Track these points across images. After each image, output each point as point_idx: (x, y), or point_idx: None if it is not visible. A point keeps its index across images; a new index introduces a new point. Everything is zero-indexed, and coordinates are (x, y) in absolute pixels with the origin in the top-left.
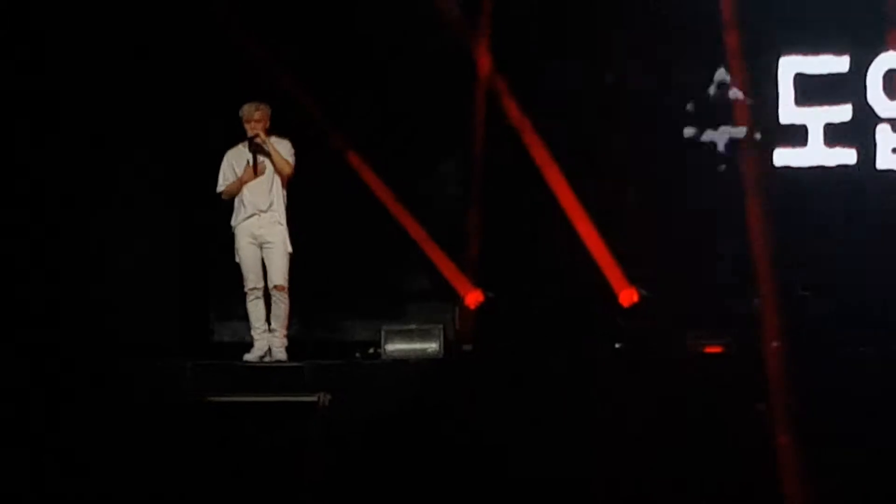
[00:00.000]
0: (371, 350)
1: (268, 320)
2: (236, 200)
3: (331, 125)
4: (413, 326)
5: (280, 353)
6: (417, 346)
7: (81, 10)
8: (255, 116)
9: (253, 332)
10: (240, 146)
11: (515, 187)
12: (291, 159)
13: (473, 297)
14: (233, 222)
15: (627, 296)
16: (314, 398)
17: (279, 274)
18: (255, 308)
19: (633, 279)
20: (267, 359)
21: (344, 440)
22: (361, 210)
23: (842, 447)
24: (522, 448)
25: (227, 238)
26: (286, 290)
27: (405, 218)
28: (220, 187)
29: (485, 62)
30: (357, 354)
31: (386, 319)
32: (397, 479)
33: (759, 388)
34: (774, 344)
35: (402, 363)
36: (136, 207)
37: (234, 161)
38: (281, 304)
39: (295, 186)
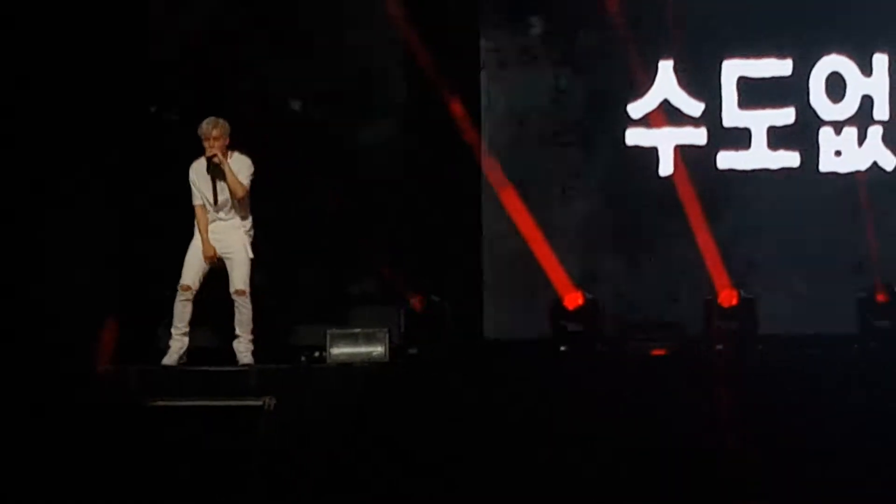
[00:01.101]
0: (316, 354)
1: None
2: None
3: (275, 129)
4: (358, 330)
5: (247, 359)
6: (363, 349)
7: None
8: (213, 134)
9: (173, 331)
10: (202, 159)
11: (460, 189)
12: (247, 180)
13: (419, 301)
14: (195, 228)
15: (573, 299)
16: (260, 402)
17: (240, 279)
18: (182, 309)
19: (578, 282)
20: (184, 360)
21: (289, 444)
22: (306, 212)
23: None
24: (468, 452)
25: (172, 240)
26: (248, 294)
27: (350, 221)
28: (196, 200)
29: (425, 59)
30: (302, 358)
31: (331, 323)
32: (342, 483)
33: (704, 390)
34: (718, 347)
35: (348, 367)
36: (76, 208)
37: (197, 177)
38: (244, 310)
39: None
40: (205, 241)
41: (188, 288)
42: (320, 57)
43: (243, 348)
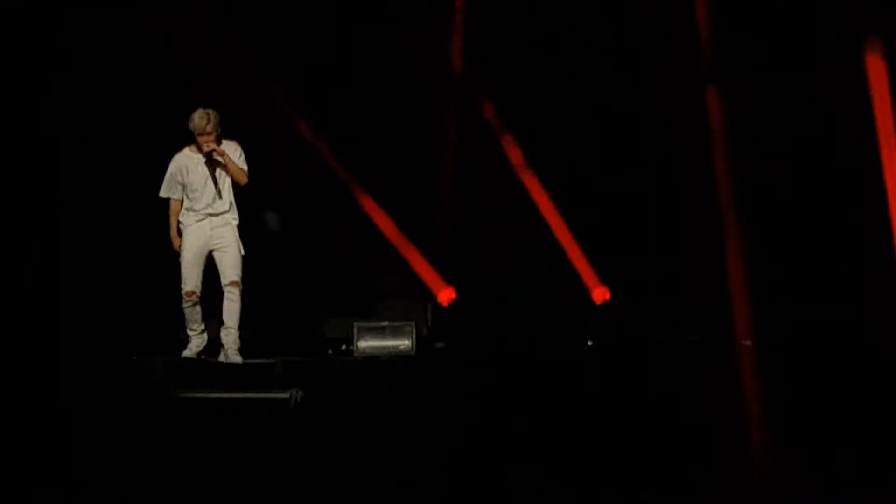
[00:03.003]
0: (343, 347)
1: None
2: (184, 209)
3: (303, 121)
4: (385, 324)
5: (234, 355)
6: (390, 343)
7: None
8: (207, 129)
9: (189, 333)
10: (187, 150)
11: (488, 184)
12: (244, 165)
13: (446, 295)
14: (183, 221)
15: (600, 294)
16: (286, 395)
17: (233, 271)
18: (192, 312)
19: (604, 277)
20: (204, 356)
21: (316, 437)
22: (335, 206)
23: None
24: (495, 445)
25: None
26: (239, 286)
27: (378, 215)
28: (164, 193)
29: (457, 60)
30: (329, 351)
31: (358, 316)
32: (369, 476)
33: (729, 384)
34: (747, 342)
35: (375, 360)
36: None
37: (185, 169)
38: (233, 303)
39: (267, 181)
40: (173, 236)
41: (192, 293)
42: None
43: (231, 342)
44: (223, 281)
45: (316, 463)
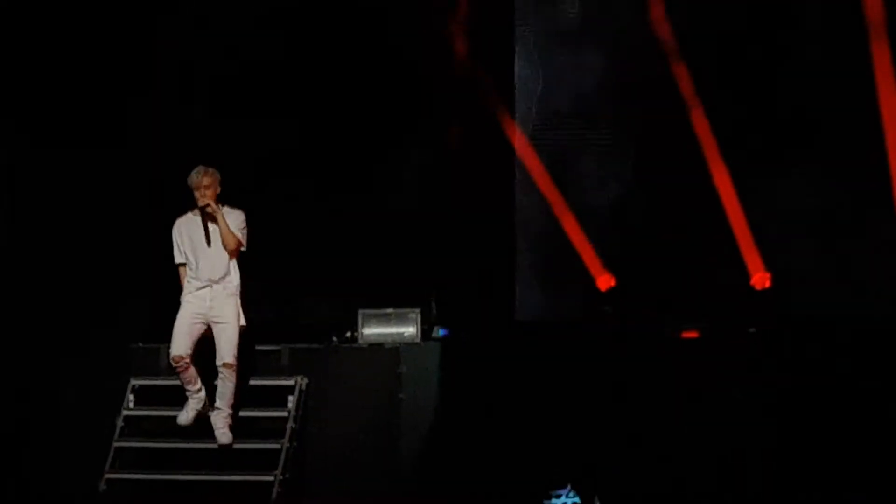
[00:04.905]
0: (348, 334)
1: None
2: (188, 272)
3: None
4: (390, 310)
5: (223, 437)
6: (394, 330)
7: None
8: (203, 183)
9: (187, 394)
10: (189, 214)
11: (492, 168)
12: (242, 234)
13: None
14: (182, 297)
15: (605, 281)
16: (292, 382)
17: (229, 351)
18: (185, 375)
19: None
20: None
21: (321, 423)
22: (337, 192)
23: None
24: (500, 432)
25: None
26: (235, 368)
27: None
28: (178, 258)
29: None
30: (334, 338)
31: (363, 303)
32: (374, 462)
33: (735, 372)
34: (751, 329)
35: (379, 347)
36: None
37: (185, 230)
38: (228, 382)
39: (276, 169)
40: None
41: (180, 358)
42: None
43: (221, 423)
44: (218, 361)
45: (321, 449)
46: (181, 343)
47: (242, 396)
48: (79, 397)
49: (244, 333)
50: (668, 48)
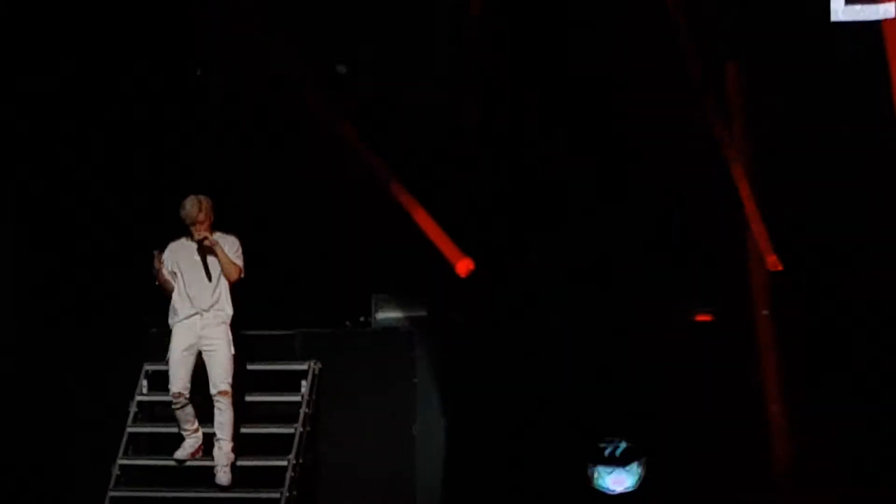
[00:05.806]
0: (361, 318)
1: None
2: (175, 295)
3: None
4: (403, 294)
5: (222, 476)
6: (407, 314)
7: None
8: (199, 218)
9: (183, 433)
10: (184, 240)
11: (510, 157)
12: (239, 260)
13: (464, 266)
14: (170, 321)
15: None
16: (304, 366)
17: (222, 379)
18: (182, 413)
19: None
20: (199, 455)
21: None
22: (352, 178)
23: None
24: (513, 416)
25: None
26: (230, 395)
27: (396, 186)
28: (165, 275)
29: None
30: (347, 323)
31: (377, 287)
32: (388, 446)
33: (748, 355)
34: (764, 312)
35: (393, 331)
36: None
37: (178, 256)
38: (225, 412)
39: (285, 157)
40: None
41: (180, 395)
42: None
43: (224, 459)
44: (212, 390)
45: (334, 433)
46: (179, 377)
47: (256, 380)
48: (92, 384)
49: (237, 361)
50: None
